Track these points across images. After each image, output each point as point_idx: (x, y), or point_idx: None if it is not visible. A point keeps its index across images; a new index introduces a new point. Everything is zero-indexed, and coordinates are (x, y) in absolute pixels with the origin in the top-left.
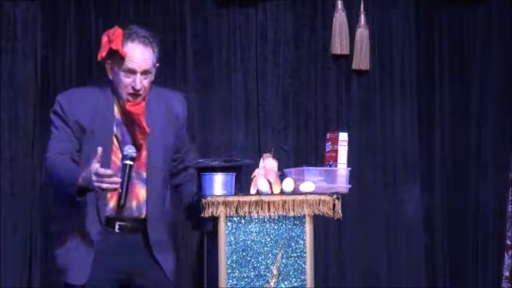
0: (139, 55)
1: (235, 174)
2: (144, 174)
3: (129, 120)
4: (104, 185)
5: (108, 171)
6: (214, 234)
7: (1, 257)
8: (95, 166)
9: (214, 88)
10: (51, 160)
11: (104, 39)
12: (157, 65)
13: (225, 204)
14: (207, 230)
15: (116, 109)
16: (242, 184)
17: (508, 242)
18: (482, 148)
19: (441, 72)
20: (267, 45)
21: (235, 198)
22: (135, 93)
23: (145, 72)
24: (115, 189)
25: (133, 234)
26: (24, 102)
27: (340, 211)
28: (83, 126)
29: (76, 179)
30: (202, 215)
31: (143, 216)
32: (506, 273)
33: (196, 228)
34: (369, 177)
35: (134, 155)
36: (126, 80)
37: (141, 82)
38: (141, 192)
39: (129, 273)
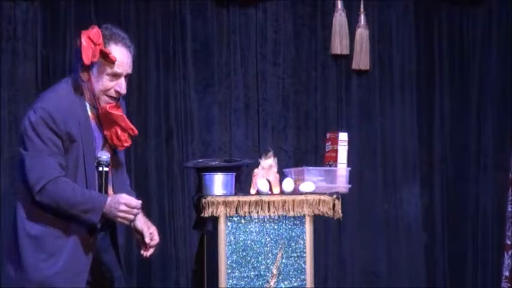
0: (125, 59)
1: (235, 174)
2: (110, 177)
3: (108, 123)
4: (131, 216)
5: (139, 202)
6: (214, 234)
7: (1, 257)
8: (125, 197)
9: (214, 88)
10: (52, 182)
11: (85, 40)
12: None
13: (225, 204)
14: (207, 230)
15: (89, 114)
16: (242, 184)
17: (508, 242)
18: (482, 148)
19: (441, 72)
20: (267, 45)
21: (235, 198)
22: (117, 97)
23: (127, 76)
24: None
25: (103, 233)
26: (24, 102)
27: (340, 211)
28: (72, 137)
29: (100, 207)
30: (202, 215)
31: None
32: (506, 273)
33: (196, 228)
34: (369, 177)
35: (109, 160)
36: (110, 83)
37: (125, 86)
38: (111, 193)
39: (96, 271)
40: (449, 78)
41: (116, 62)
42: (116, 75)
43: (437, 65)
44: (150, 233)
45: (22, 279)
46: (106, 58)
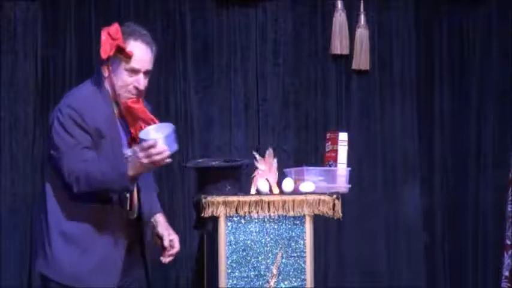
0: (144, 55)
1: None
2: None
3: (131, 119)
4: (156, 158)
5: (151, 141)
6: (214, 234)
7: (1, 257)
8: (137, 146)
9: (214, 88)
10: (81, 169)
11: (104, 36)
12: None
13: (225, 204)
14: (207, 230)
15: (115, 111)
16: (242, 184)
17: (508, 242)
18: (482, 148)
19: (441, 72)
20: (267, 45)
21: (235, 198)
22: (136, 93)
23: (147, 72)
24: (166, 158)
25: (132, 230)
26: (24, 102)
27: (340, 211)
28: (101, 133)
29: (124, 169)
30: (202, 215)
31: (134, 217)
32: (506, 273)
33: (196, 228)
34: (369, 177)
35: None
36: (128, 79)
37: (144, 82)
38: (134, 194)
39: (124, 269)
40: (449, 78)
41: (134, 58)
42: (134, 71)
43: (437, 65)
44: (171, 240)
45: (57, 274)
46: (123, 53)
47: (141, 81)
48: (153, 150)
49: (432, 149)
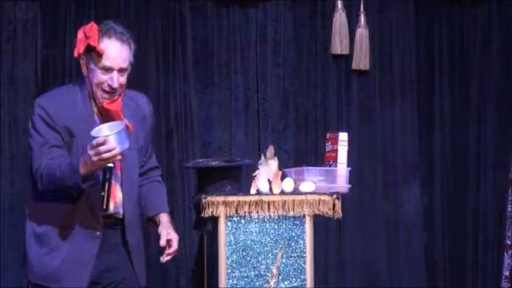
0: (117, 52)
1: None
2: (119, 175)
3: (107, 119)
4: (105, 155)
5: (100, 139)
6: (214, 234)
7: (1, 257)
8: (89, 144)
9: (214, 88)
10: (45, 166)
11: (80, 34)
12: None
13: (225, 204)
14: (207, 230)
15: (94, 110)
16: (242, 184)
17: (508, 242)
18: (482, 148)
19: (441, 72)
20: (267, 45)
21: (235, 198)
22: (111, 91)
23: (121, 70)
24: (116, 157)
25: (112, 231)
26: (24, 102)
27: (340, 211)
28: (71, 132)
29: (76, 166)
30: (202, 215)
31: (120, 216)
32: (506, 273)
33: (196, 228)
34: (369, 177)
35: None
36: (103, 77)
37: (118, 80)
38: (117, 192)
39: (104, 268)
40: (449, 78)
41: (106, 56)
42: (107, 69)
43: (437, 65)
44: (169, 239)
45: (31, 274)
46: (94, 51)
47: (115, 80)
48: (102, 148)
49: (432, 149)
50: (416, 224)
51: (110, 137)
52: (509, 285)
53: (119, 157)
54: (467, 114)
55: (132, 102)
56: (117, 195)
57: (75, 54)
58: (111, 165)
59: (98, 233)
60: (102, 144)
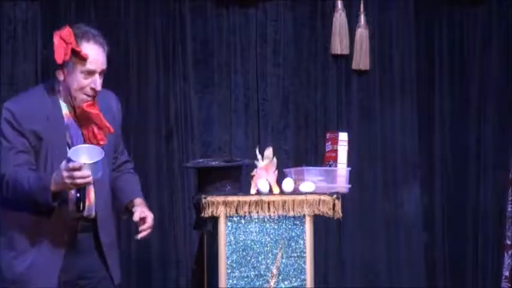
0: (98, 56)
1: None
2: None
3: (85, 122)
4: (78, 181)
5: (77, 164)
6: (214, 234)
7: None
8: (63, 164)
9: (214, 88)
10: (11, 174)
11: (57, 40)
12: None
13: (225, 204)
14: (207, 230)
15: (64, 113)
16: (242, 184)
17: (508, 242)
18: (482, 148)
19: (441, 72)
20: (267, 45)
21: (235, 198)
22: (94, 94)
23: (101, 72)
24: (88, 183)
25: (85, 234)
26: None
27: (340, 211)
28: (39, 135)
29: (48, 184)
30: (202, 215)
31: (92, 217)
32: (506, 273)
33: (196, 228)
34: (369, 177)
35: None
36: (84, 81)
37: (100, 82)
38: (91, 193)
39: (78, 274)
40: (449, 78)
41: (89, 60)
42: (89, 73)
43: (437, 65)
44: (142, 217)
45: (2, 281)
46: (78, 56)
47: (98, 83)
48: (77, 173)
49: (432, 149)
50: (416, 224)
51: (85, 164)
52: (509, 285)
53: (91, 183)
54: (467, 114)
55: (104, 102)
56: (91, 195)
57: (59, 61)
58: None
59: (66, 237)
60: (78, 170)
